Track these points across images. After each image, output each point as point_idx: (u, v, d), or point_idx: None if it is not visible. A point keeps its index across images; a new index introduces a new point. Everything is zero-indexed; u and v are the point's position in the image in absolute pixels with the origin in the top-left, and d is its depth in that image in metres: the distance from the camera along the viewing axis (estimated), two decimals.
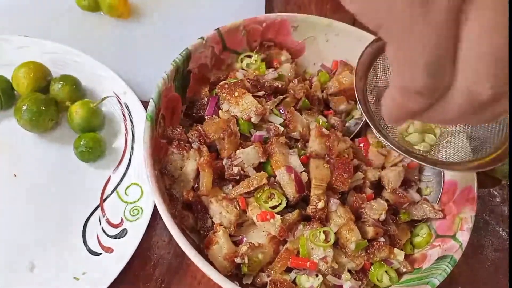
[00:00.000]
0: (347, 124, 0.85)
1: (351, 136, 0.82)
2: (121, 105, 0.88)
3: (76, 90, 0.87)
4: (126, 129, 0.87)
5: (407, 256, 0.73)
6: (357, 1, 0.39)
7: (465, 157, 0.65)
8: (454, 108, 0.40)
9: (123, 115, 0.88)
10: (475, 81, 0.37)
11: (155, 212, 0.79)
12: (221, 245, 0.67)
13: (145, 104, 0.86)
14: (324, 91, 0.86)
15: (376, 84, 0.71)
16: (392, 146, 0.65)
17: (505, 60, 0.35)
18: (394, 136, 0.69)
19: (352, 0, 0.40)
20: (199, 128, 0.75)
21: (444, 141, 0.70)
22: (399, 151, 0.65)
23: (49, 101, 0.84)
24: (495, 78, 0.36)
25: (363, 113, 0.67)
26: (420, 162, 0.64)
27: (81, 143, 0.82)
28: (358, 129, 0.83)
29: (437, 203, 0.77)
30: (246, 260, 0.66)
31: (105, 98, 0.86)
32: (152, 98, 0.72)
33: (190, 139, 0.74)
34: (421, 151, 0.69)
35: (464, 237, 0.68)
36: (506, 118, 0.60)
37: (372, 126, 0.66)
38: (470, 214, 0.70)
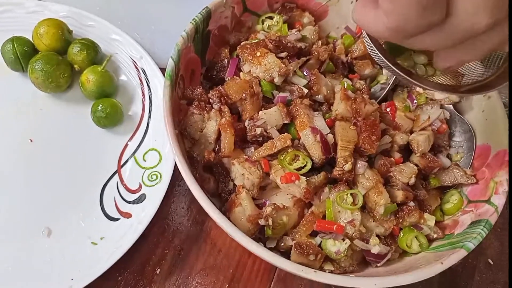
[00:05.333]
0: (372, 90, 0.81)
1: (377, 101, 0.79)
2: (138, 70, 0.85)
3: (95, 54, 0.84)
4: (143, 94, 0.85)
5: (437, 223, 0.70)
6: None
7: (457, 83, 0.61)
8: (450, 37, 0.40)
9: (140, 80, 0.85)
10: (473, 12, 0.38)
11: (174, 179, 0.77)
12: (244, 206, 0.64)
13: (162, 71, 0.83)
14: (349, 55, 0.83)
15: None
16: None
17: None
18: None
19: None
20: (220, 88, 0.72)
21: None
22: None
23: (62, 60, 0.82)
24: (492, 9, 0.37)
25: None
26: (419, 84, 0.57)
27: (99, 107, 0.79)
28: (384, 94, 0.80)
29: (469, 168, 0.73)
30: (270, 222, 0.63)
31: (110, 57, 0.84)
32: (171, 57, 0.69)
33: (210, 100, 0.71)
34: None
35: (499, 200, 0.65)
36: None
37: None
38: (505, 177, 0.66)
